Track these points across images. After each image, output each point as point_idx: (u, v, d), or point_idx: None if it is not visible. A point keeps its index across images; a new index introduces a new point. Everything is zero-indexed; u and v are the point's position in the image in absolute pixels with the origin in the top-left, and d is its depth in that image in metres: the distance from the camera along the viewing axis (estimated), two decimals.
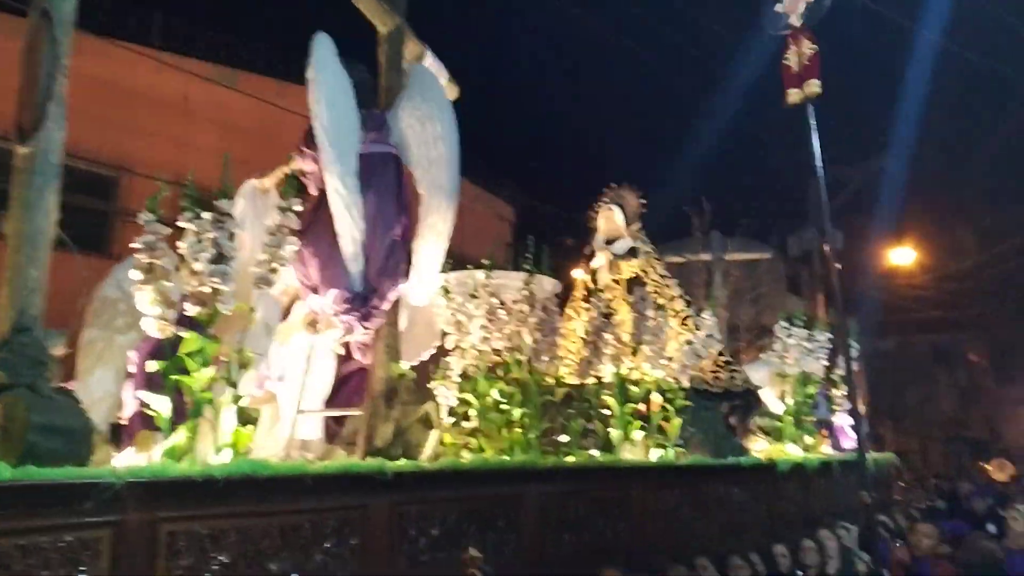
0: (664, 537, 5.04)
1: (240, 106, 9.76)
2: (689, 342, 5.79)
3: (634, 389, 5.32)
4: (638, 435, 5.26)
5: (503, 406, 4.47)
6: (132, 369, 3.56)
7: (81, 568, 2.56)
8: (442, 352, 4.77)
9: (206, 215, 3.07)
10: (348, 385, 4.47)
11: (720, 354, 6.65)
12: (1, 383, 2.62)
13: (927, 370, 21.88)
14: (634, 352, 5.38)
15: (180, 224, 3.19)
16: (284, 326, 4.29)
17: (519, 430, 4.50)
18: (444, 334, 4.61)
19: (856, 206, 14.61)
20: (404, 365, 4.25)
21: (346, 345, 4.63)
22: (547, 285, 4.69)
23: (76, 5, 3.11)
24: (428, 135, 4.18)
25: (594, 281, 6.88)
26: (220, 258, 3.05)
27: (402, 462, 3.69)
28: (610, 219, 6.98)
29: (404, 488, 3.62)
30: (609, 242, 7.00)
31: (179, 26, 10.25)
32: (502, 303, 4.39)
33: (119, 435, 3.40)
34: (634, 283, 6.74)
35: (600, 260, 6.91)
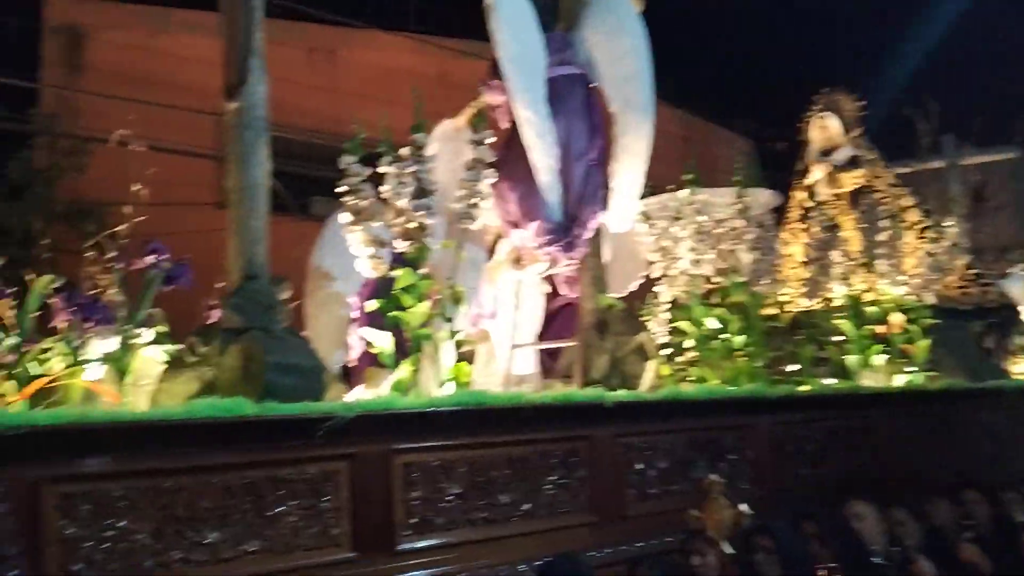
0: (916, 469, 4.54)
1: None
2: (931, 254, 5.11)
3: (871, 309, 4.80)
4: (879, 360, 4.74)
5: (723, 334, 4.17)
6: (354, 314, 3.68)
7: (325, 498, 2.65)
8: (649, 282, 4.54)
9: (404, 151, 3.04)
10: (558, 320, 4.38)
11: (968, 267, 5.87)
12: (237, 326, 2.75)
13: None
14: (867, 268, 4.84)
15: (380, 169, 3.20)
16: (490, 265, 4.26)
17: (743, 359, 4.18)
18: (650, 263, 4.38)
19: None
20: (612, 297, 4.08)
21: (553, 280, 4.54)
22: (763, 198, 4.29)
23: None
24: (616, 50, 3.92)
25: (811, 198, 6.29)
26: (421, 192, 3.02)
27: (622, 392, 3.53)
28: (825, 128, 6.31)
29: (627, 419, 3.47)
30: (826, 153, 6.36)
31: (433, 8, 10.90)
32: (715, 223, 4.06)
33: (349, 376, 3.53)
34: (859, 195, 6.10)
35: (817, 174, 6.29)
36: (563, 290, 4.40)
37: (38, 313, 2.49)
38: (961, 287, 5.96)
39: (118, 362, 2.55)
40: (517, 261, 4.03)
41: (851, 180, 6.22)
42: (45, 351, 2.46)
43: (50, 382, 2.42)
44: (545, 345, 4.26)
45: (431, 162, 3.08)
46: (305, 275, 3.99)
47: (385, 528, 2.75)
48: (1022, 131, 9.78)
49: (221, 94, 3.06)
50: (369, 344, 3.22)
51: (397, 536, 2.78)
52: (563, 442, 3.27)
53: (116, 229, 2.76)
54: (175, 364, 2.79)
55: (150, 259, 2.67)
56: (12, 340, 2.37)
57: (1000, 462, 4.95)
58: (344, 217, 3.09)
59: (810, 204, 6.23)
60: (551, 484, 3.22)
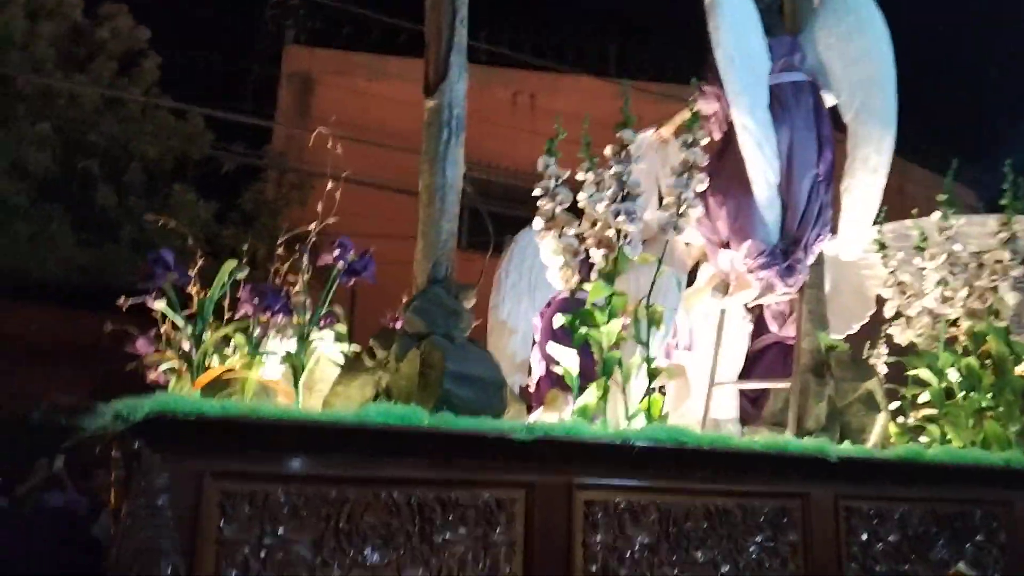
0: None
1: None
2: None
3: None
4: None
5: (970, 391, 3.47)
6: (537, 333, 3.41)
7: (497, 530, 2.36)
8: (877, 323, 3.93)
9: (606, 150, 2.75)
10: (763, 361, 3.88)
11: None
12: (419, 331, 2.54)
13: None
14: None
15: (578, 177, 2.94)
16: (690, 291, 3.85)
17: (993, 421, 3.46)
18: (880, 300, 3.77)
19: None
20: (833, 337, 3.52)
21: (759, 316, 4.05)
22: None
23: None
24: (852, 52, 3.42)
25: None
26: (623, 196, 2.70)
27: (848, 447, 2.98)
28: None
29: (852, 479, 2.92)
30: None
31: (632, 54, 11.05)
32: (972, 255, 3.41)
33: (527, 401, 3.24)
34: None
35: None
36: (772, 327, 3.89)
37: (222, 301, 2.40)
38: None
39: (295, 358, 2.41)
40: (723, 287, 3.58)
41: None
42: (225, 339, 2.37)
43: (225, 373, 2.31)
44: (751, 385, 3.76)
45: (635, 163, 2.75)
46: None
47: (562, 572, 2.41)
48: None
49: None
50: (551, 363, 2.92)
51: None
52: (774, 498, 2.78)
53: (307, 228, 2.67)
54: (351, 367, 2.63)
55: (336, 254, 2.53)
56: (192, 327, 2.29)
57: None
58: (536, 223, 2.83)
59: None
60: (756, 546, 2.74)
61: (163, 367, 2.39)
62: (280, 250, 2.68)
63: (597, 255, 2.74)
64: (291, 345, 2.46)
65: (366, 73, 10.79)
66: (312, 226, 2.68)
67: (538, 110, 10.97)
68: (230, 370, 2.32)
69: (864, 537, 2.92)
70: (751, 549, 2.71)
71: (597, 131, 2.94)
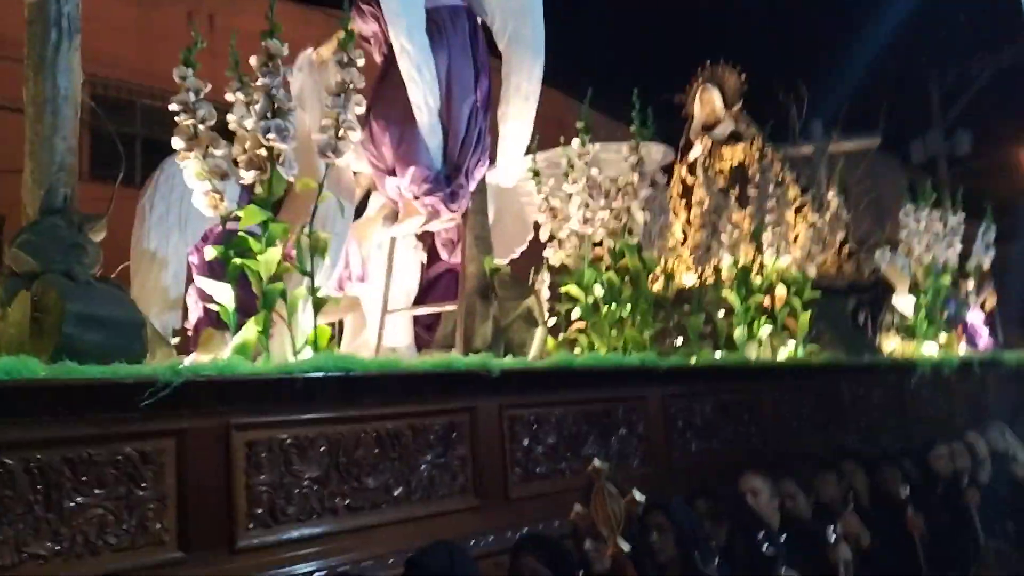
0: (800, 442, 4.45)
1: None
2: (813, 225, 5.04)
3: (756, 281, 4.66)
4: (764, 332, 4.61)
5: (612, 302, 3.86)
6: (193, 268, 3.10)
7: (142, 485, 2.12)
8: (535, 248, 4.19)
9: (252, 59, 2.51)
10: (436, 289, 3.94)
11: (842, 243, 5.90)
12: (31, 270, 2.15)
13: None
14: (753, 240, 4.70)
15: (227, 97, 2.66)
16: (360, 222, 3.77)
17: (632, 329, 3.90)
18: (536, 225, 4.02)
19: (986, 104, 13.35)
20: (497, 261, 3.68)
21: (430, 245, 4.10)
22: (656, 154, 4.01)
23: None
24: None
25: (692, 173, 6.15)
26: (274, 112, 2.50)
27: (509, 360, 3.15)
28: (708, 101, 6.19)
29: (514, 389, 3.09)
30: (707, 128, 6.24)
31: None
32: (609, 180, 3.73)
33: (184, 346, 2.95)
34: (738, 172, 6.02)
35: (698, 149, 6.16)
36: (443, 255, 3.97)
37: None
38: (837, 263, 5.99)
39: None
40: (391, 215, 3.54)
41: (733, 155, 6.15)
42: None
43: None
44: (422, 310, 3.81)
45: (284, 74, 2.56)
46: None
47: (222, 521, 2.25)
48: (886, 119, 10.21)
49: None
50: (207, 301, 2.67)
51: (238, 530, 2.27)
52: (442, 415, 2.85)
53: None
54: None
55: None
56: None
57: (874, 436, 4.96)
58: (176, 143, 2.52)
59: (691, 180, 6.11)
60: (427, 464, 2.80)
61: None
62: None
63: (248, 176, 2.52)
64: None
65: None
66: None
67: (217, 30, 10.00)
68: None
69: (526, 442, 3.13)
70: (422, 468, 2.77)
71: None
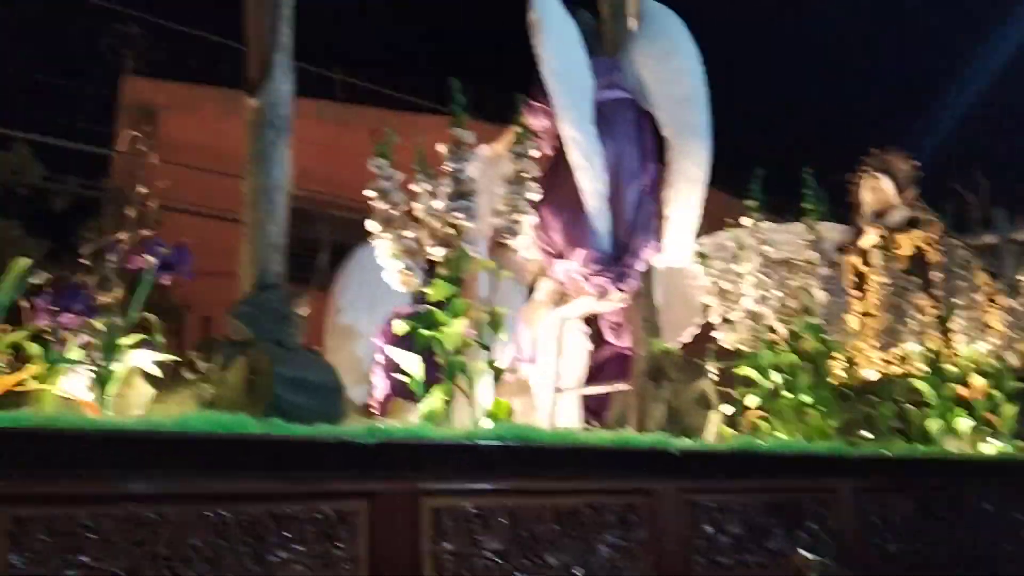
0: (1013, 548, 3.95)
1: None
2: (1012, 309, 4.64)
3: (950, 369, 4.30)
4: (963, 425, 4.21)
5: (791, 389, 3.68)
6: (379, 349, 3.28)
7: (338, 544, 2.18)
8: (705, 332, 4.10)
9: (439, 147, 2.71)
10: (604, 372, 3.93)
11: None
12: (246, 338, 2.35)
13: None
14: (944, 325, 4.38)
15: (413, 188, 2.87)
16: (529, 306, 3.86)
17: (816, 416, 3.68)
18: (706, 308, 3.95)
19: None
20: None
21: (596, 329, 4.12)
22: (832, 234, 3.89)
23: None
24: (669, 71, 3.63)
25: (866, 263, 5.88)
26: (460, 194, 2.67)
27: (688, 441, 3.05)
28: (878, 189, 5.98)
29: (694, 472, 2.98)
30: (879, 216, 5.99)
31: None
32: (783, 260, 3.64)
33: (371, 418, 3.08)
34: (918, 259, 5.70)
35: (871, 238, 5.90)
36: (610, 337, 3.97)
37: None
38: None
39: (103, 369, 2.14)
40: (560, 298, 3.61)
41: (909, 242, 5.84)
42: (15, 349, 2.06)
43: (17, 385, 2.01)
44: (592, 390, 3.79)
45: (471, 158, 2.73)
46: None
47: None
48: None
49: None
50: (395, 370, 2.80)
51: None
52: (620, 495, 2.77)
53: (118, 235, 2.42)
54: (170, 382, 2.38)
55: (150, 257, 2.30)
56: None
57: None
58: (372, 225, 2.73)
59: (864, 269, 5.85)
60: (607, 546, 2.71)
61: None
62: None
63: (437, 253, 2.67)
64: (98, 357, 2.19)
65: (216, 108, 10.30)
66: (122, 234, 2.43)
67: (397, 147, 10.92)
68: (22, 382, 2.02)
69: (709, 530, 2.97)
70: (602, 550, 2.68)
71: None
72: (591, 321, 4.03)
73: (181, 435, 1.99)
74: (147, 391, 2.41)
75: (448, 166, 2.69)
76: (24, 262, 2.07)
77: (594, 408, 3.91)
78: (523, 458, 2.54)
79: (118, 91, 10.50)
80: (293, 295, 2.57)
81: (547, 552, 2.56)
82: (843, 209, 6.25)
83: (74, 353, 2.13)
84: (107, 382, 2.15)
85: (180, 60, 10.28)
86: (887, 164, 6.09)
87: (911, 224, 5.90)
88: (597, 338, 4.09)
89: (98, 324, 2.16)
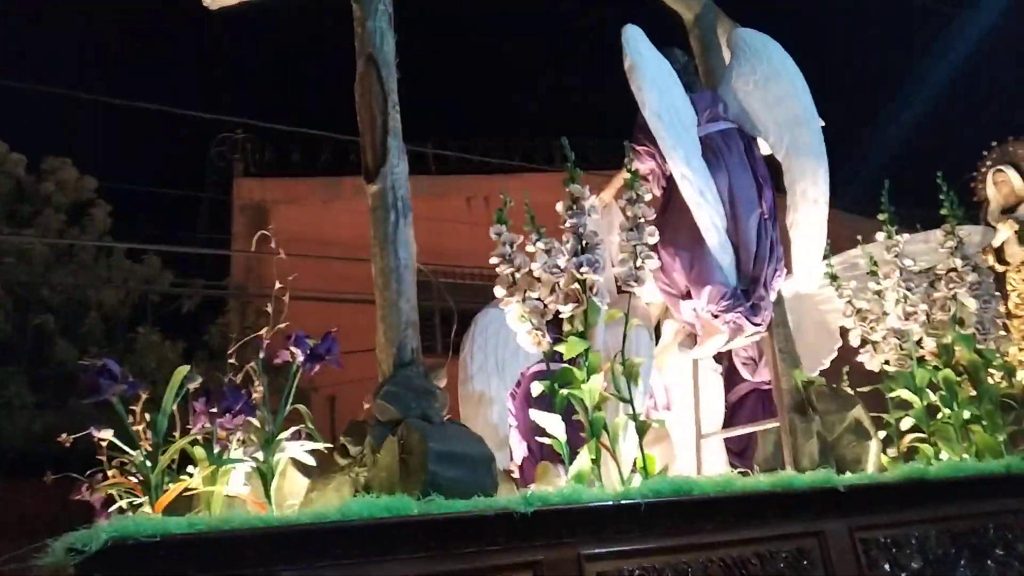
0: None
1: None
2: None
3: None
4: None
5: (951, 406, 3.43)
6: (512, 418, 3.26)
7: None
8: (844, 357, 3.90)
9: (559, 206, 2.71)
10: (743, 409, 3.79)
11: None
12: (392, 417, 2.38)
13: None
14: None
15: (528, 249, 2.87)
16: (658, 350, 3.76)
17: (979, 432, 3.42)
18: (844, 332, 3.76)
19: None
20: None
21: (728, 366, 3.99)
22: (975, 235, 3.65)
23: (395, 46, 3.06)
24: (773, 95, 3.54)
25: (999, 261, 5.51)
26: (583, 248, 2.65)
27: (851, 476, 2.88)
28: (1004, 182, 5.63)
29: (862, 508, 2.79)
30: (1007, 211, 5.62)
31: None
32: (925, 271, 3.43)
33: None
34: None
35: (1004, 234, 5.53)
36: (744, 375, 3.82)
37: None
38: None
39: (264, 464, 2.21)
40: (690, 339, 3.51)
41: None
42: (184, 460, 2.15)
43: (187, 490, 2.09)
44: (738, 431, 3.64)
45: (590, 213, 2.72)
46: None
47: None
48: None
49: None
50: (532, 440, 2.77)
51: None
52: (789, 540, 2.62)
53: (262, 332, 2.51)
54: (323, 470, 2.42)
55: (295, 350, 2.37)
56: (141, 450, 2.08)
57: None
58: (497, 291, 2.74)
59: (1000, 268, 5.47)
60: None
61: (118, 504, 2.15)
62: (232, 359, 2.51)
63: (566, 310, 2.65)
64: (257, 453, 2.26)
65: (320, 196, 10.82)
66: (264, 331, 2.52)
67: (491, 210, 11.09)
68: (191, 488, 2.09)
69: (886, 567, 2.77)
70: None
71: (550, 218, 2.88)
72: (722, 358, 3.90)
73: (343, 523, 2.02)
74: (302, 481, 2.47)
75: (568, 222, 2.68)
76: (182, 370, 2.16)
77: (737, 450, 3.76)
78: (683, 512, 2.45)
79: (231, 193, 11.20)
80: (432, 369, 2.60)
81: None
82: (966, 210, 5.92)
83: (236, 452, 2.20)
84: (269, 477, 2.21)
85: (283, 156, 10.91)
86: (1009, 155, 5.74)
87: None
88: (731, 374, 3.96)
89: (254, 420, 2.22)
